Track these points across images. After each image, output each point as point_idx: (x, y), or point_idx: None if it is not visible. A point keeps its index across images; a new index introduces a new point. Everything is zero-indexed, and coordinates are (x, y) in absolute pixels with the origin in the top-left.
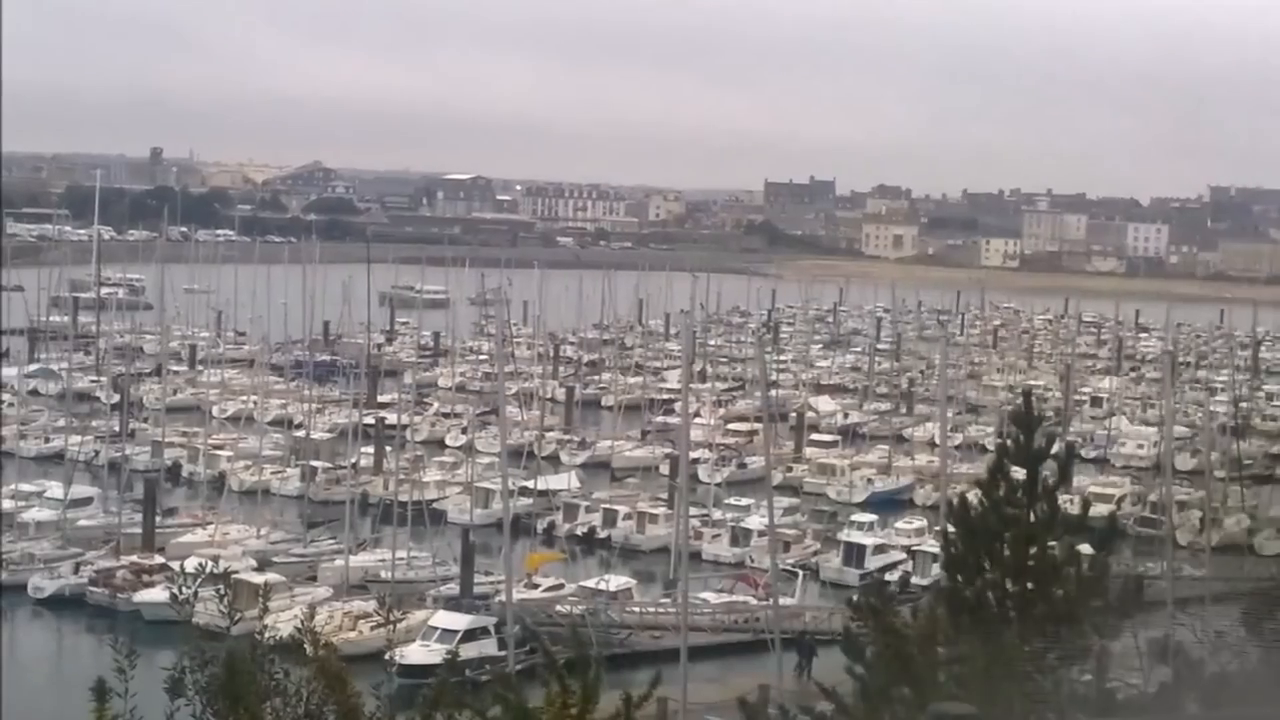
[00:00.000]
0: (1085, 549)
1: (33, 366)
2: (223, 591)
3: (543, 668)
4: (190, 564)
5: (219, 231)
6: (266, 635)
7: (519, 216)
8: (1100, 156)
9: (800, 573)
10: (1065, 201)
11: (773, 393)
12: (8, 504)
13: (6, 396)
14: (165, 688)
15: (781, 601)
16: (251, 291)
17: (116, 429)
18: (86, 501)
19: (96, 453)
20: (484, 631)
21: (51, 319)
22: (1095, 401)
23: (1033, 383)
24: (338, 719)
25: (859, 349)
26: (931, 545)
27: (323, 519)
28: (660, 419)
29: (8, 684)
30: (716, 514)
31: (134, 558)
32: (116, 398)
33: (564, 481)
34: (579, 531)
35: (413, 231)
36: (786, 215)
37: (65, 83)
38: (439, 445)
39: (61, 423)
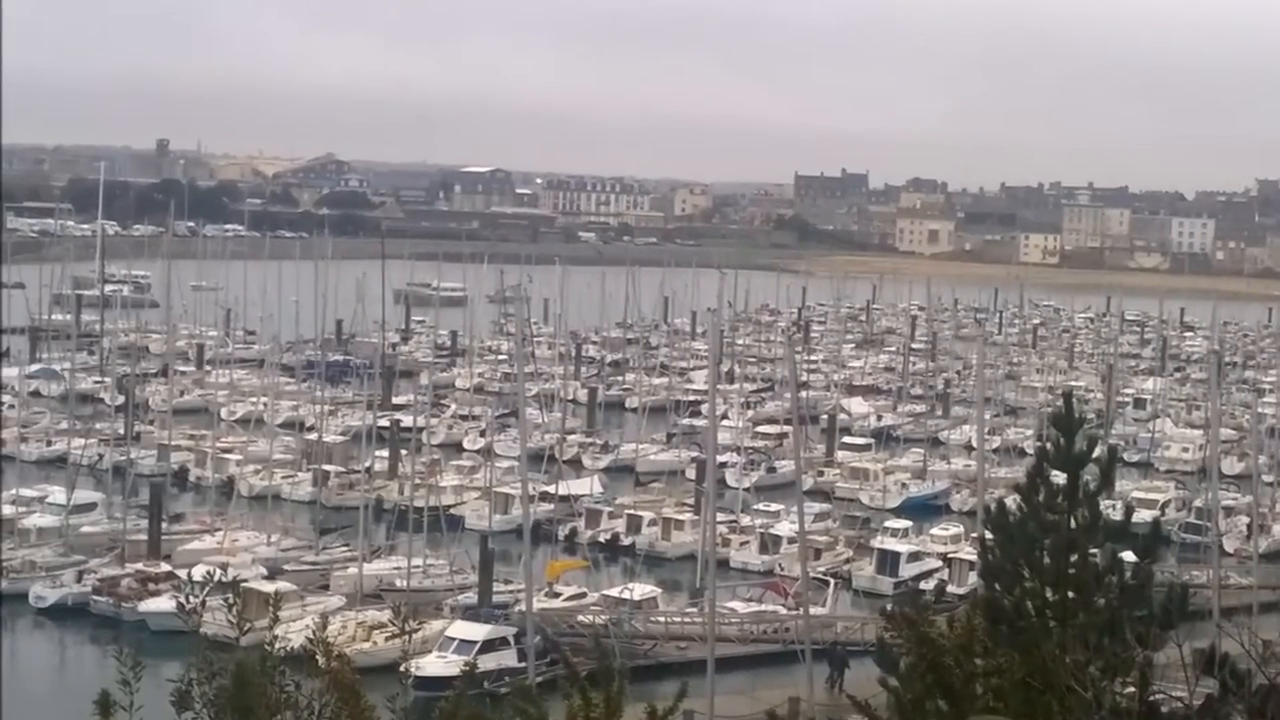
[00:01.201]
0: (1128, 556)
1: (34, 367)
2: (231, 601)
3: (564, 680)
4: (198, 572)
5: (228, 226)
6: (277, 646)
7: (539, 211)
8: (1143, 148)
9: (832, 581)
10: (1107, 195)
11: (803, 394)
12: (8, 510)
13: (7, 398)
14: (172, 700)
15: (812, 611)
16: (261, 289)
17: (121, 432)
18: (90, 507)
19: (100, 456)
20: (503, 642)
21: (54, 317)
22: (1138, 403)
23: (1073, 384)
24: None
25: (893, 348)
26: (968, 552)
27: (335, 525)
28: (686, 421)
29: (9, 696)
30: (745, 520)
31: (139, 565)
32: (121, 399)
33: (586, 486)
34: (602, 538)
35: (429, 226)
36: (817, 209)
37: (68, 71)
38: (456, 449)
39: (64, 425)
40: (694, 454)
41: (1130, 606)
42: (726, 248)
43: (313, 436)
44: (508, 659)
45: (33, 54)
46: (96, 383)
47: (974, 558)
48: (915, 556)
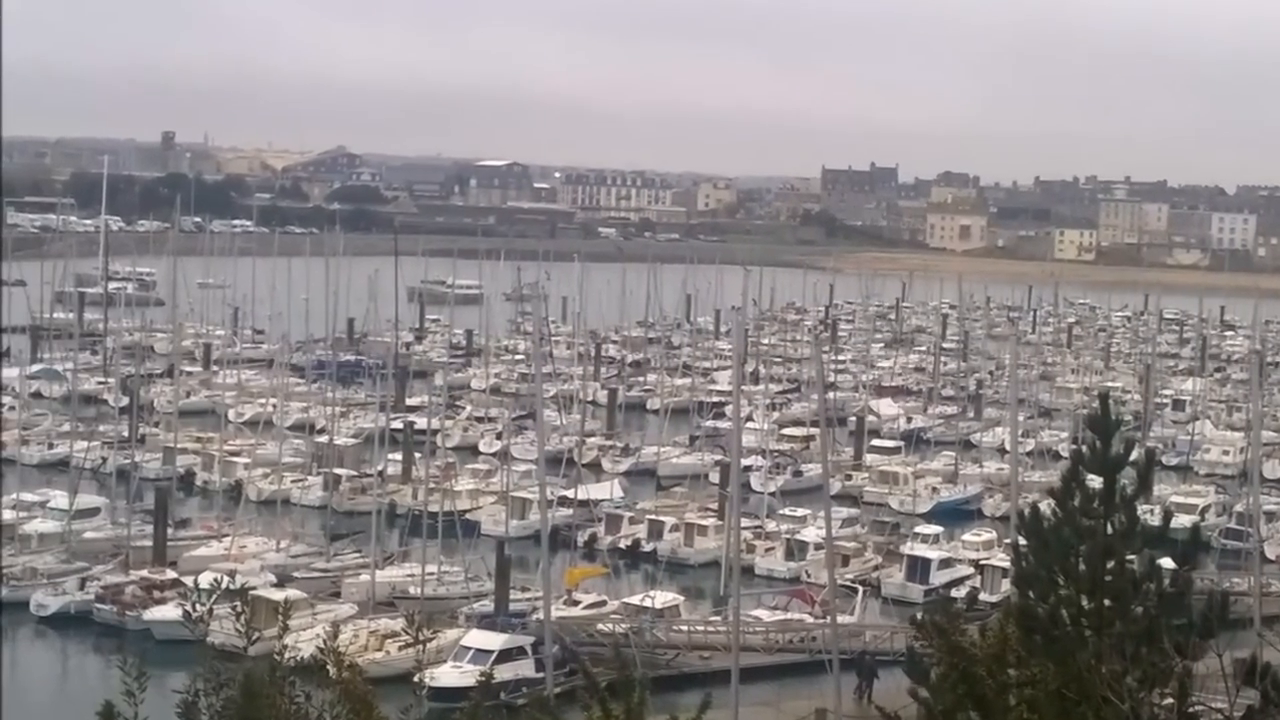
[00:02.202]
0: (1166, 563)
1: (36, 367)
2: (239, 609)
3: (583, 691)
4: (204, 579)
5: (235, 222)
6: (286, 656)
7: (558, 206)
8: (1183, 141)
9: (860, 589)
10: (1145, 190)
11: (830, 395)
12: (9, 515)
13: (8, 399)
14: (178, 712)
15: (840, 619)
16: (270, 286)
17: (125, 434)
18: (93, 512)
19: (104, 460)
20: (520, 652)
21: (56, 316)
22: (1177, 404)
23: (1110, 384)
24: None
25: (923, 348)
26: (1001, 559)
27: (347, 531)
28: (710, 423)
29: (9, 708)
30: (770, 525)
31: (144, 573)
32: (125, 401)
33: (606, 491)
34: (622, 544)
35: (444, 222)
36: (845, 204)
37: (70, 61)
38: (472, 452)
39: (66, 428)
40: (717, 457)
41: (1169, 615)
42: (751, 244)
43: (323, 439)
44: (525, 669)
45: (34, 43)
46: (100, 383)
47: (1007, 564)
48: (946, 563)
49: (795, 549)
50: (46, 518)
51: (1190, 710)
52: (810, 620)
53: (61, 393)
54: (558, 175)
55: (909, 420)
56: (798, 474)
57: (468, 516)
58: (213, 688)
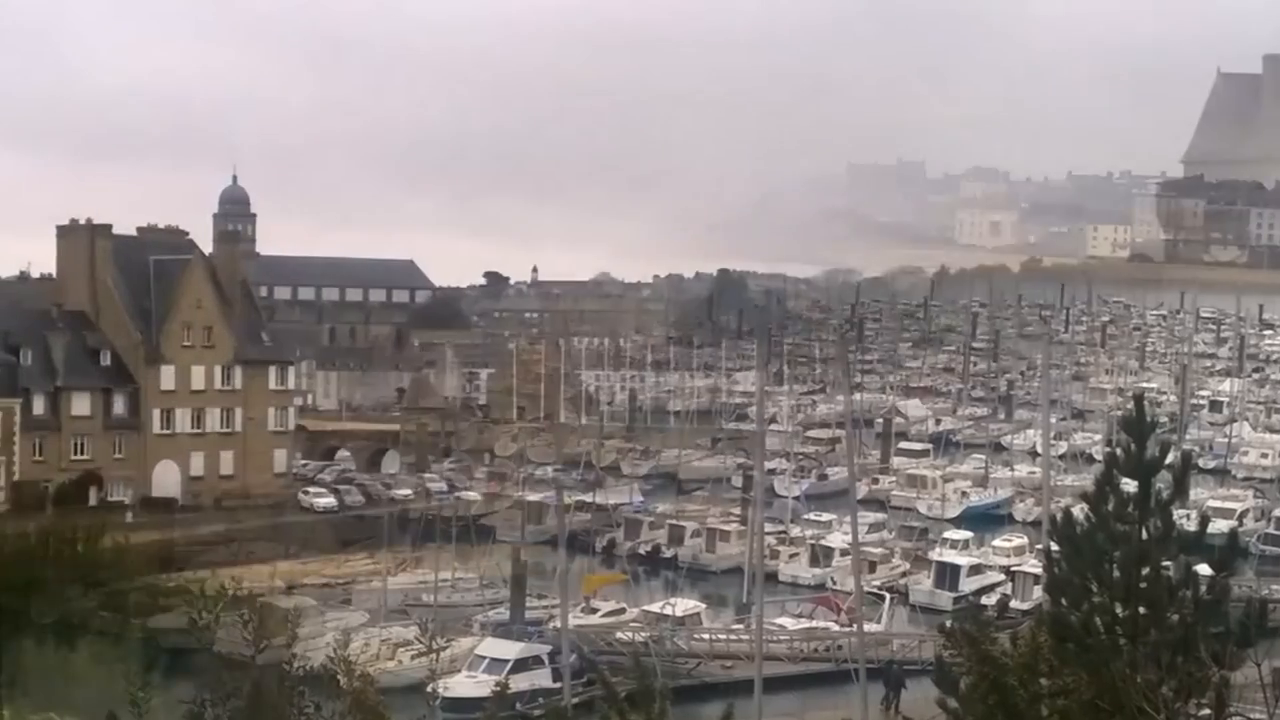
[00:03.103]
0: (1203, 569)
1: None
2: (247, 616)
3: (602, 701)
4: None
5: None
6: (296, 664)
7: None
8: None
9: (887, 596)
10: (1181, 185)
11: (857, 396)
12: None
13: None
14: None
15: (867, 628)
16: None
17: None
18: None
19: None
20: (537, 661)
21: None
22: (1214, 406)
23: (1145, 385)
24: None
25: (953, 348)
26: (1033, 565)
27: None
28: (732, 426)
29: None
30: (795, 531)
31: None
32: None
33: (625, 495)
34: (642, 550)
35: None
36: (872, 200)
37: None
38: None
39: None
40: (740, 460)
41: (1205, 623)
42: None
43: None
44: (541, 679)
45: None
46: None
47: (1039, 571)
48: (976, 569)
49: (820, 555)
50: None
51: None
52: (836, 628)
53: None
54: None
55: (938, 422)
56: (823, 477)
57: (482, 521)
58: (220, 697)
